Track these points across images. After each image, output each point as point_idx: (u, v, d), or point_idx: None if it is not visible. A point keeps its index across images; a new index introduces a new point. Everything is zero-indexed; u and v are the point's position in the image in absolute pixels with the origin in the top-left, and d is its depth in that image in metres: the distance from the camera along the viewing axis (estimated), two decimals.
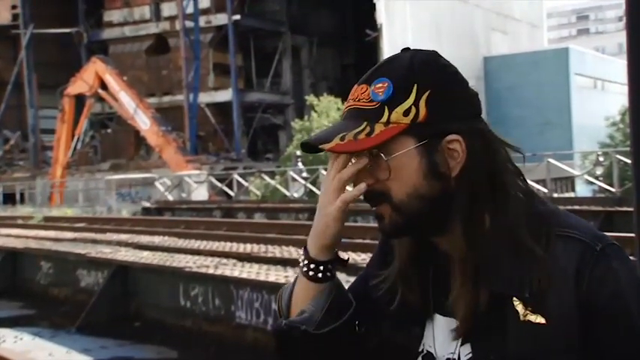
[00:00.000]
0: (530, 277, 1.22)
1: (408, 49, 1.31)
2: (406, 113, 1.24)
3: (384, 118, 1.24)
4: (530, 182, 1.34)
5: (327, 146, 1.24)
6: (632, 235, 1.55)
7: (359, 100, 1.27)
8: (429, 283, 1.33)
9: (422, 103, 1.24)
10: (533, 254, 1.22)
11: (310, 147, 1.29)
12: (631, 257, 1.38)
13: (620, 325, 1.20)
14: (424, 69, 1.26)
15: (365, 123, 1.24)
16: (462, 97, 1.28)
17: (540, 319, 1.21)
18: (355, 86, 1.30)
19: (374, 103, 1.25)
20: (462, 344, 1.27)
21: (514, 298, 1.22)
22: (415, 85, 1.24)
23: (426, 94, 1.24)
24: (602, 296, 1.20)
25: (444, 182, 1.25)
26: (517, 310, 1.22)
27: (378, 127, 1.24)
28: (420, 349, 1.33)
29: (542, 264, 1.22)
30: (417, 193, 1.25)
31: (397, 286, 1.35)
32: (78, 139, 38.76)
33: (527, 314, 1.21)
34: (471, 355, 1.27)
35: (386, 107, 1.24)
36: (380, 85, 1.25)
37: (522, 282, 1.22)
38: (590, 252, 1.22)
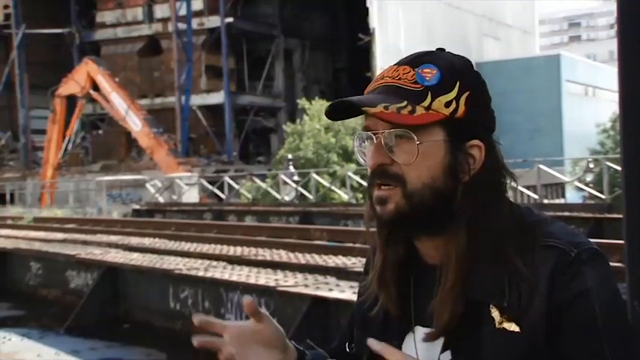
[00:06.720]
0: (510, 287, 1.22)
1: (443, 49, 1.33)
2: (447, 105, 1.25)
3: (426, 103, 1.24)
4: (520, 188, 1.34)
5: (372, 110, 1.23)
6: (622, 242, 1.56)
7: (399, 79, 1.27)
8: (410, 293, 1.33)
9: (462, 101, 1.25)
10: (515, 266, 1.22)
11: (340, 111, 1.27)
12: (620, 264, 1.38)
13: (582, 326, 1.19)
14: (465, 70, 1.29)
15: (406, 102, 1.24)
16: (489, 109, 1.31)
17: (515, 327, 1.21)
18: (393, 66, 1.30)
19: (418, 86, 1.25)
20: (442, 351, 1.27)
21: (491, 306, 1.23)
22: (458, 82, 1.26)
23: (466, 93, 1.26)
24: (568, 297, 1.20)
25: (455, 184, 1.26)
26: (493, 317, 1.22)
27: (419, 110, 1.24)
28: None
29: (523, 275, 1.22)
30: (433, 186, 1.25)
31: (378, 296, 1.34)
32: (69, 139, 38.62)
33: (502, 322, 1.22)
34: None
35: (429, 93, 1.25)
36: (428, 70, 1.26)
37: (501, 291, 1.22)
38: (565, 258, 1.22)
